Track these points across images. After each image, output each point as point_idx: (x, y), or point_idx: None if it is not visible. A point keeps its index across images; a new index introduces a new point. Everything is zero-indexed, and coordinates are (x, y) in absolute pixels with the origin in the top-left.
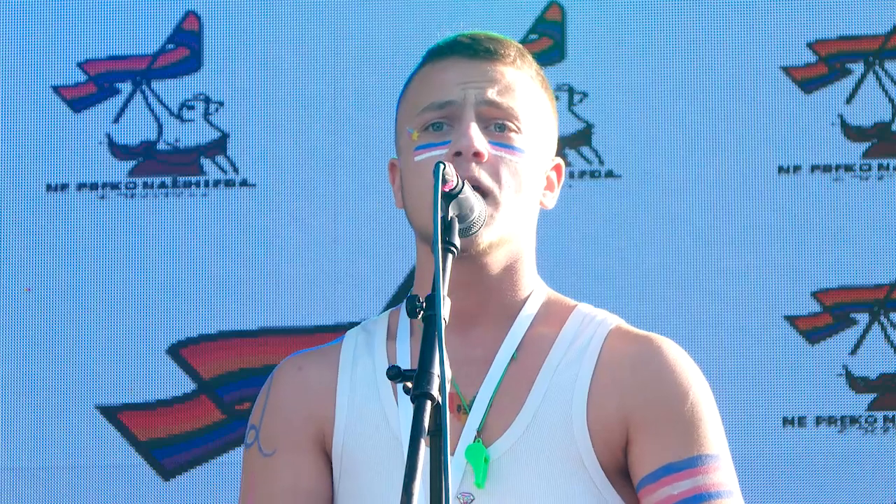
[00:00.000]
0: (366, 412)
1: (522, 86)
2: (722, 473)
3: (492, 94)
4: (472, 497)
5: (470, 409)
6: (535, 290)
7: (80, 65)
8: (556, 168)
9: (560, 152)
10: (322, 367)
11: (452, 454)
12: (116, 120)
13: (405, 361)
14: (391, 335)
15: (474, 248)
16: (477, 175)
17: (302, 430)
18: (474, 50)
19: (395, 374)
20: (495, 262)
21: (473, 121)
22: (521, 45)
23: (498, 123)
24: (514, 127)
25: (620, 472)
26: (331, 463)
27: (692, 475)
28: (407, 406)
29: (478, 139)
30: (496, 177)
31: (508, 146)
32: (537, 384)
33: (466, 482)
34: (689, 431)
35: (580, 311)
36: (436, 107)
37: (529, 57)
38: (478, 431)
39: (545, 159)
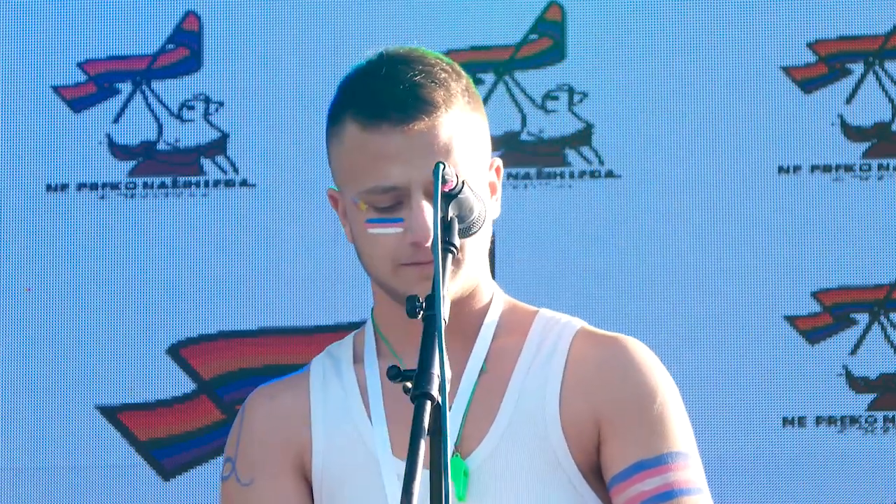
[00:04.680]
0: (341, 434)
1: (458, 130)
2: (692, 471)
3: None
4: None
5: None
6: (493, 297)
7: (80, 65)
8: (496, 171)
9: (498, 148)
10: (294, 395)
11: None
12: (116, 120)
13: (375, 383)
14: (357, 358)
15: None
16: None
17: (279, 456)
18: (405, 112)
19: (394, 374)
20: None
21: (423, 207)
22: (441, 62)
23: None
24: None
25: (596, 472)
26: (310, 488)
27: (663, 472)
28: (381, 425)
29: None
30: None
31: None
32: (509, 392)
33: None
34: (658, 429)
35: (543, 316)
36: (380, 191)
37: (452, 71)
38: (455, 446)
39: (486, 176)
